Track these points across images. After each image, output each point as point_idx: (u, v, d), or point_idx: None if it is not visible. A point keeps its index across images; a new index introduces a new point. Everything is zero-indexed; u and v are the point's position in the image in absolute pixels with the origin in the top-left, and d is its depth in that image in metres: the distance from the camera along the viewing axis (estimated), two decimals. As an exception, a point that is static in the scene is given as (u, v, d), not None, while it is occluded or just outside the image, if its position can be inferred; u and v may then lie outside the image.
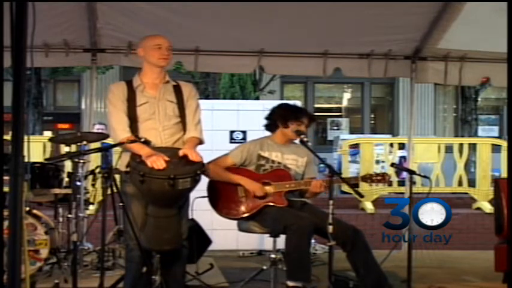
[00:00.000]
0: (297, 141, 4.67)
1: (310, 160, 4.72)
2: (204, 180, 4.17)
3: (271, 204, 4.47)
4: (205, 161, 3.93)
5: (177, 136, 3.99)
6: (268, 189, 4.49)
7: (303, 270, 4.24)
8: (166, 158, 3.67)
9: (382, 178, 4.48)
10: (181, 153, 3.77)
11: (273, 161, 4.60)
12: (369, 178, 4.51)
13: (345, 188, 8.54)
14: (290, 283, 4.22)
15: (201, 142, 4.01)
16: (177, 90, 4.05)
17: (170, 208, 3.79)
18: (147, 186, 3.64)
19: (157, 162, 3.63)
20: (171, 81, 4.07)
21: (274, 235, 4.57)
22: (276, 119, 4.67)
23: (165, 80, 4.05)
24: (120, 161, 4.06)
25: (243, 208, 4.50)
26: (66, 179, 5.51)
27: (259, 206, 4.47)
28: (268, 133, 4.79)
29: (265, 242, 5.68)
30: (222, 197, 4.50)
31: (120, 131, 3.90)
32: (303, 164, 4.68)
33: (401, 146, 10.44)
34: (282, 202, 4.48)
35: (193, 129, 4.00)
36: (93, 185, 5.66)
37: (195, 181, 3.71)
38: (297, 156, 4.66)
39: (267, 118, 4.76)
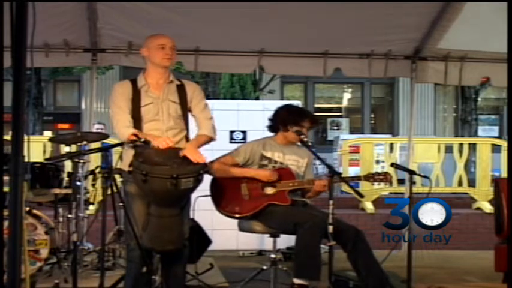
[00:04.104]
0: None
1: (311, 161, 4.74)
2: (206, 180, 4.16)
3: (275, 203, 4.47)
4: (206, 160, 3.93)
5: (179, 136, 3.99)
6: (273, 187, 4.48)
7: (313, 268, 4.23)
8: (172, 140, 3.77)
9: (384, 177, 4.49)
10: (181, 153, 3.77)
11: (275, 161, 4.61)
12: (371, 177, 4.52)
13: (345, 188, 8.55)
14: (297, 281, 4.22)
15: (211, 139, 4.03)
16: (181, 90, 4.05)
17: (173, 208, 3.79)
18: (149, 186, 3.64)
19: (163, 142, 3.71)
20: (175, 81, 4.07)
21: (274, 235, 4.58)
22: (278, 121, 4.67)
23: (169, 80, 4.04)
24: (121, 160, 4.05)
25: (246, 207, 4.49)
26: (66, 179, 5.51)
27: (262, 204, 4.46)
28: (269, 134, 4.79)
29: (265, 242, 5.68)
30: (224, 195, 4.50)
31: (124, 128, 3.88)
32: (304, 165, 4.68)
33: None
34: (286, 201, 4.47)
35: (202, 128, 4.02)
36: (93, 185, 5.67)
37: (198, 181, 3.72)
38: (297, 157, 4.67)
39: (270, 119, 4.76)
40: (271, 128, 4.75)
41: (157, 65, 3.99)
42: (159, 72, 4.01)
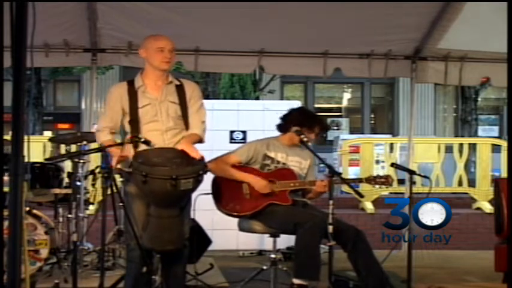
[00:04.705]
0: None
1: (313, 163, 4.74)
2: (208, 178, 4.16)
3: (276, 202, 4.47)
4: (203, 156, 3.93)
5: (179, 136, 3.98)
6: (275, 186, 4.49)
7: (313, 268, 4.24)
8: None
9: (386, 180, 4.49)
10: (179, 147, 3.78)
11: (278, 162, 4.62)
12: (372, 180, 4.52)
13: (345, 188, 8.55)
14: (296, 281, 4.22)
15: (201, 140, 4.00)
16: (180, 90, 4.03)
17: (172, 208, 3.78)
18: (149, 187, 3.64)
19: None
20: (174, 81, 4.05)
21: (274, 235, 4.58)
22: (291, 122, 4.66)
23: (168, 80, 4.02)
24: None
25: (247, 206, 4.49)
26: (66, 179, 5.51)
27: (263, 204, 4.46)
28: (269, 134, 4.79)
29: (265, 242, 5.68)
30: (226, 194, 4.51)
31: (99, 132, 4.00)
32: (306, 167, 4.69)
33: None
34: (287, 200, 4.47)
35: (195, 128, 4.00)
36: (93, 185, 5.66)
37: (197, 182, 3.71)
38: (300, 159, 4.67)
39: (282, 118, 4.75)
40: (280, 127, 4.75)
41: (156, 68, 3.98)
42: (156, 74, 3.99)
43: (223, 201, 4.50)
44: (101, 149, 5.07)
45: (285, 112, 4.77)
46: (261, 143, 4.68)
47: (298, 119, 4.64)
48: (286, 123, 4.70)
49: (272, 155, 4.62)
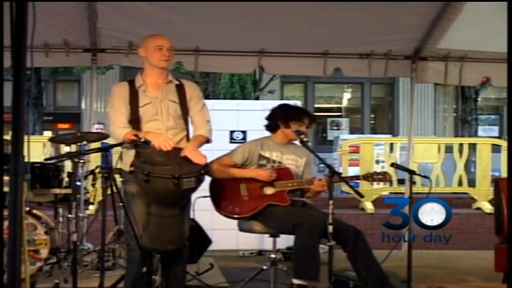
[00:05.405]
0: (297, 141, 4.67)
1: (309, 161, 4.73)
2: (206, 180, 4.16)
3: (275, 203, 4.47)
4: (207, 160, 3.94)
5: (180, 136, 3.99)
6: (272, 187, 4.48)
7: (312, 269, 4.23)
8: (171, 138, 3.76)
9: (383, 177, 4.49)
10: (182, 154, 3.77)
11: (273, 161, 4.61)
12: (370, 177, 4.52)
13: (345, 188, 8.56)
14: (296, 281, 4.21)
15: (208, 141, 4.01)
16: (180, 90, 4.04)
17: (174, 208, 3.79)
18: (151, 186, 3.64)
19: (165, 143, 3.70)
20: (174, 81, 4.06)
21: (274, 235, 4.58)
22: (277, 119, 4.67)
23: (168, 79, 4.04)
24: (121, 160, 4.05)
25: (246, 207, 4.48)
26: (66, 179, 5.51)
27: (262, 205, 4.46)
28: (268, 133, 4.79)
29: (265, 242, 5.69)
30: (224, 196, 4.50)
31: (119, 129, 3.91)
32: (302, 165, 4.68)
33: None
34: (285, 201, 4.47)
35: (200, 128, 4.00)
36: (93, 185, 5.66)
37: (199, 181, 3.72)
38: (296, 157, 4.67)
39: (267, 118, 4.76)
40: (269, 128, 4.75)
41: (155, 66, 3.99)
42: (156, 72, 4.01)
43: (222, 204, 4.50)
44: (101, 149, 5.10)
45: (269, 112, 4.77)
46: (255, 143, 4.68)
47: (283, 114, 4.64)
48: (273, 121, 4.70)
49: (267, 154, 4.62)
